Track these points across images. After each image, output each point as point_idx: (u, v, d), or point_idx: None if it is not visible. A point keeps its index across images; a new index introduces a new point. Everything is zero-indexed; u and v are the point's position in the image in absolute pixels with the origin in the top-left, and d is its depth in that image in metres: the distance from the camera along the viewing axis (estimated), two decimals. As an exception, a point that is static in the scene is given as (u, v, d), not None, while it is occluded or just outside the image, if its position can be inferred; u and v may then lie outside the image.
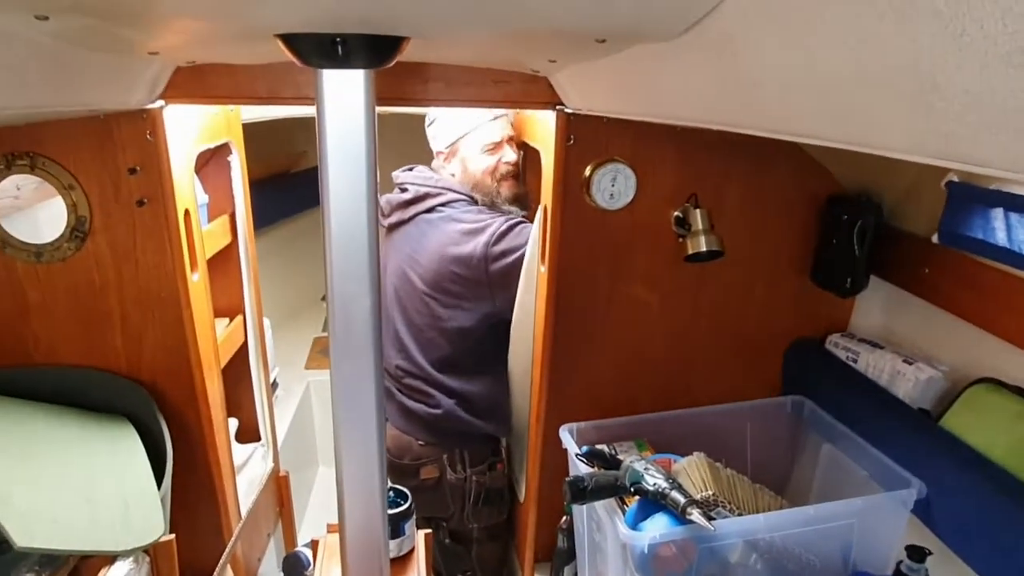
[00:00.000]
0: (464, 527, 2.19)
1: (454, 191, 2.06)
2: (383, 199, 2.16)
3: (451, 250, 1.97)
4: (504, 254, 1.92)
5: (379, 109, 0.95)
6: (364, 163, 0.93)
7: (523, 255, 1.87)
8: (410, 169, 2.17)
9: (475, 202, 2.06)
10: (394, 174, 2.16)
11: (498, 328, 2.05)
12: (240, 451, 2.13)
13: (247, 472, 2.10)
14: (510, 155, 2.07)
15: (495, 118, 2.03)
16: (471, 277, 1.96)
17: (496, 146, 2.04)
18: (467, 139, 2.03)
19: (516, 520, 2.18)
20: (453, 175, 2.09)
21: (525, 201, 2.15)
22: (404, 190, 2.11)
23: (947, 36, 0.47)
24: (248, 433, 2.20)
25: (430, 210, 2.06)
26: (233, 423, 2.14)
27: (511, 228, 1.94)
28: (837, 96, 0.68)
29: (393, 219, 2.12)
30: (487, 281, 1.96)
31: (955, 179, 1.37)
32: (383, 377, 1.04)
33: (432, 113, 2.09)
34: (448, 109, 2.02)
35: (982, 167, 0.57)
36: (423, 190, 2.07)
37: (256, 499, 2.07)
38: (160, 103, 1.43)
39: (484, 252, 1.93)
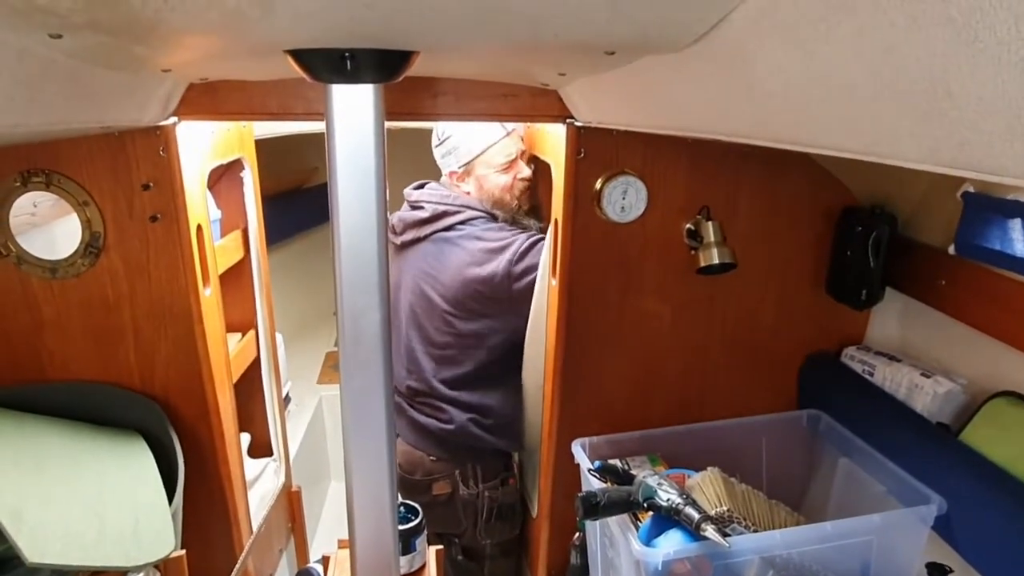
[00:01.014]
0: (477, 543, 2.17)
1: (473, 208, 2.05)
2: (394, 217, 2.16)
3: (473, 270, 1.96)
4: (526, 272, 1.93)
5: (388, 124, 0.96)
6: (374, 177, 0.93)
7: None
8: (421, 186, 2.17)
9: (495, 219, 2.06)
10: (406, 191, 2.16)
11: (518, 343, 2.04)
12: (252, 466, 2.13)
13: (259, 487, 2.09)
14: (524, 171, 2.07)
15: (507, 134, 2.03)
16: (494, 296, 1.96)
17: (511, 163, 2.04)
18: (482, 158, 2.02)
19: (528, 536, 2.17)
20: (468, 193, 2.08)
21: (540, 212, 2.15)
22: (418, 207, 2.10)
23: (960, 43, 0.46)
24: (260, 448, 2.20)
25: (448, 228, 2.05)
26: (245, 438, 2.14)
27: (532, 246, 1.93)
28: (849, 105, 0.67)
29: (407, 237, 2.11)
30: (509, 299, 1.96)
31: (971, 189, 1.36)
32: (393, 391, 1.04)
33: (441, 133, 2.08)
34: (459, 128, 2.02)
35: (997, 175, 0.56)
36: (440, 208, 2.06)
37: (268, 514, 2.06)
38: (173, 120, 1.45)
39: (507, 270, 1.93)
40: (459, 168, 2.07)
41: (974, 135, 0.55)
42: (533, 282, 1.91)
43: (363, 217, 0.95)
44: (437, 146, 2.11)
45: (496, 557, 2.20)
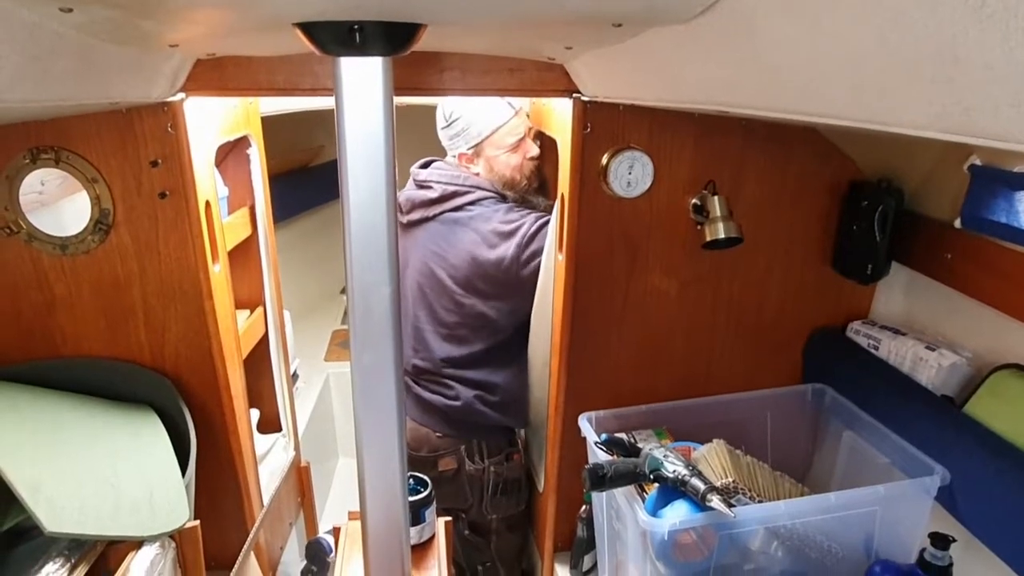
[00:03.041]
0: (483, 518, 2.20)
1: (483, 189, 2.05)
2: (400, 195, 2.15)
3: (484, 252, 1.97)
4: (534, 255, 1.93)
5: (396, 100, 0.96)
6: (383, 151, 0.94)
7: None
8: (427, 165, 2.15)
9: (504, 199, 2.06)
10: (413, 170, 2.16)
11: (525, 323, 2.06)
12: (262, 441, 2.15)
13: (269, 462, 2.12)
14: (533, 149, 2.06)
15: (515, 113, 2.01)
16: (504, 279, 1.97)
17: (520, 143, 2.03)
18: (492, 139, 2.02)
19: (535, 510, 2.19)
20: (478, 174, 2.08)
21: (547, 189, 2.15)
22: (426, 187, 2.09)
23: (968, 9, 0.46)
24: (269, 424, 2.23)
25: (458, 208, 2.04)
26: (255, 414, 2.16)
27: (540, 229, 1.94)
28: (855, 74, 0.67)
29: (415, 216, 2.11)
30: (519, 282, 1.97)
31: (978, 162, 1.35)
32: (403, 365, 1.05)
33: (449, 114, 2.06)
34: (467, 110, 2.01)
35: (1003, 141, 0.56)
36: (451, 188, 2.05)
37: (278, 488, 2.09)
38: (181, 96, 1.45)
39: (516, 254, 1.94)
40: (468, 150, 2.06)
41: (981, 101, 0.55)
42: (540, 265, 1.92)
43: (372, 191, 0.96)
44: (444, 128, 2.09)
45: (502, 532, 2.23)
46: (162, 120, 1.46)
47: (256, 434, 2.17)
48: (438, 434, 2.13)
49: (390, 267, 0.99)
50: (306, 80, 1.48)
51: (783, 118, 0.86)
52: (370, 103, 0.91)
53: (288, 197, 3.08)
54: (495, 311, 2.03)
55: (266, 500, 1.93)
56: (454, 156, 2.11)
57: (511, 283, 1.97)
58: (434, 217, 2.07)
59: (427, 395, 2.12)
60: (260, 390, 2.19)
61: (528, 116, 2.06)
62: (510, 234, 1.96)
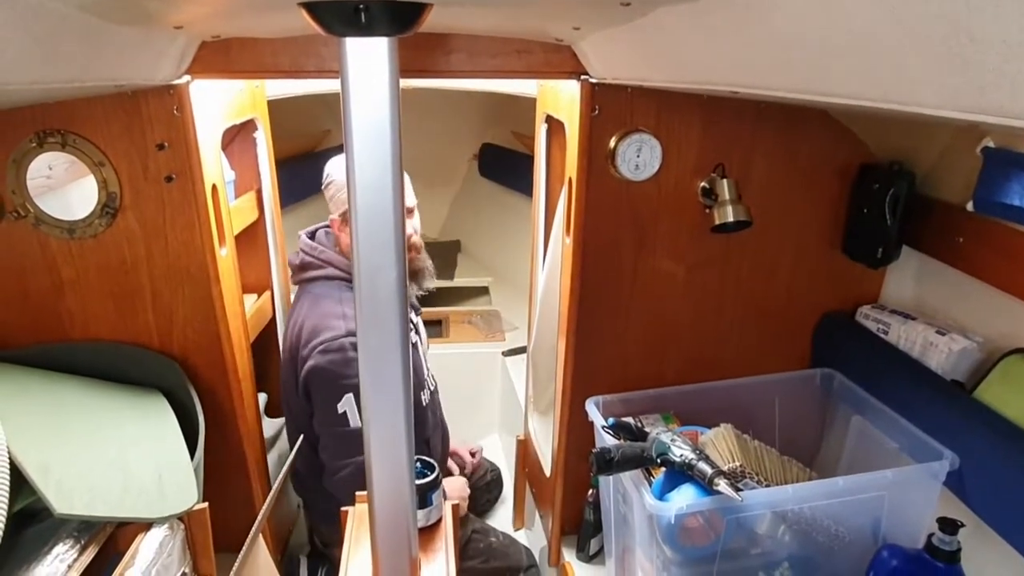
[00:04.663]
0: None
1: (333, 266, 1.91)
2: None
3: (295, 331, 1.86)
4: (318, 368, 1.78)
5: (403, 83, 0.95)
6: (389, 132, 0.93)
7: (335, 381, 1.76)
8: (312, 234, 2.00)
9: (350, 282, 1.87)
10: (299, 233, 2.02)
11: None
12: (270, 425, 2.16)
13: (277, 445, 2.13)
14: (407, 228, 1.85)
15: None
16: (293, 369, 1.87)
17: None
18: None
19: (543, 495, 2.20)
20: (346, 244, 1.90)
21: (421, 279, 1.99)
22: (296, 252, 1.97)
23: (985, -17, 0.45)
24: (277, 407, 2.24)
25: (309, 280, 1.93)
26: (262, 397, 2.17)
27: (340, 350, 1.77)
28: (868, 53, 0.66)
29: (294, 279, 2.00)
30: (298, 381, 1.85)
31: (991, 145, 1.34)
32: (409, 350, 1.04)
33: (326, 176, 1.92)
34: (340, 171, 1.85)
35: (1019, 119, 0.55)
36: (308, 259, 1.93)
37: (286, 471, 2.10)
38: (186, 78, 1.44)
39: (308, 353, 1.80)
40: (338, 215, 1.87)
41: (996, 79, 0.54)
42: (319, 380, 1.78)
43: (378, 173, 0.95)
44: (324, 187, 1.93)
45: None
46: (168, 103, 1.46)
47: (264, 417, 2.18)
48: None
49: (396, 249, 0.98)
50: (311, 62, 1.47)
51: (794, 98, 0.85)
52: (376, 84, 0.90)
53: (295, 182, 3.07)
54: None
55: (274, 483, 1.94)
56: (329, 222, 1.96)
57: (296, 377, 1.85)
58: (297, 283, 1.97)
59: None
60: (268, 374, 2.20)
61: (411, 191, 1.93)
62: (315, 330, 1.81)
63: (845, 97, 0.77)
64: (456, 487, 2.13)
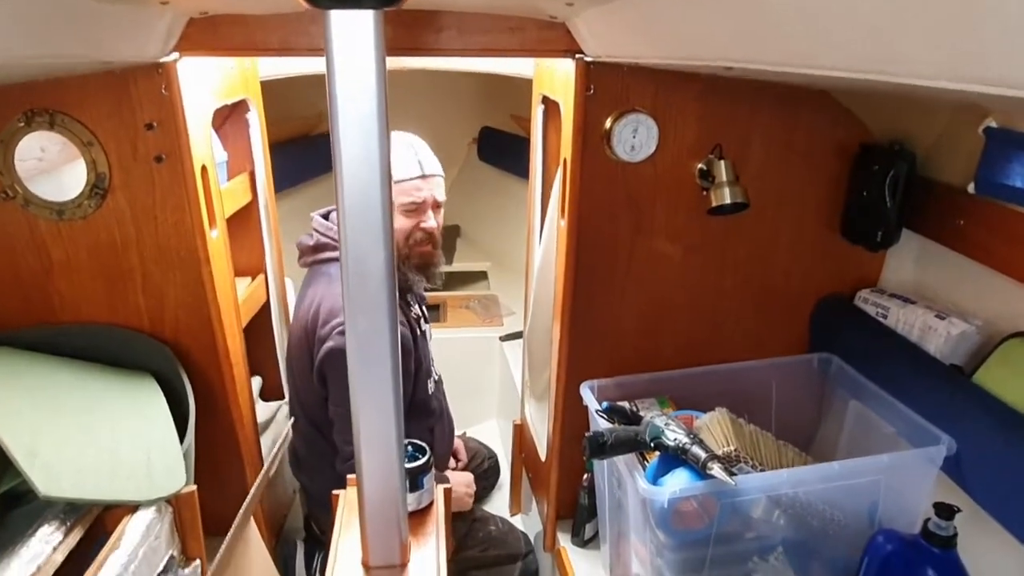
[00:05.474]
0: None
1: None
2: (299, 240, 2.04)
3: (312, 311, 1.86)
4: (338, 349, 1.77)
5: (392, 62, 0.93)
6: (375, 108, 0.91)
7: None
8: (327, 214, 2.01)
9: None
10: (312, 214, 2.04)
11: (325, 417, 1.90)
12: (264, 409, 2.16)
13: (272, 429, 2.12)
14: (431, 222, 1.91)
15: (422, 176, 1.86)
16: (307, 350, 1.87)
17: (418, 208, 1.87)
18: None
19: (538, 479, 2.19)
20: None
21: (433, 272, 2.00)
22: (309, 233, 1.97)
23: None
24: (272, 391, 2.23)
25: (324, 261, 1.92)
26: (257, 381, 2.16)
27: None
28: (866, 23, 0.64)
29: (305, 260, 2.01)
30: (310, 361, 1.85)
31: (994, 124, 1.31)
32: (398, 331, 1.03)
33: None
34: None
35: (1018, 89, 0.53)
36: (324, 240, 1.94)
37: (277, 454, 2.09)
38: (174, 56, 1.42)
39: (327, 333, 1.80)
40: None
41: (996, 48, 0.52)
42: (339, 359, 1.74)
43: (365, 151, 0.93)
44: None
45: None
46: (156, 82, 1.43)
47: (259, 401, 2.17)
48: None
49: (384, 230, 0.97)
50: (301, 40, 1.45)
51: (790, 72, 0.83)
52: (362, 60, 0.88)
53: (291, 166, 3.05)
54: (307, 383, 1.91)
55: (268, 467, 1.93)
56: None
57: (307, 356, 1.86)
58: (309, 265, 1.97)
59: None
60: (263, 357, 2.19)
61: (440, 180, 1.93)
62: (334, 311, 1.81)
63: (841, 70, 0.75)
64: (463, 481, 2.12)
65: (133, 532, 1.22)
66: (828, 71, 0.77)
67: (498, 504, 2.63)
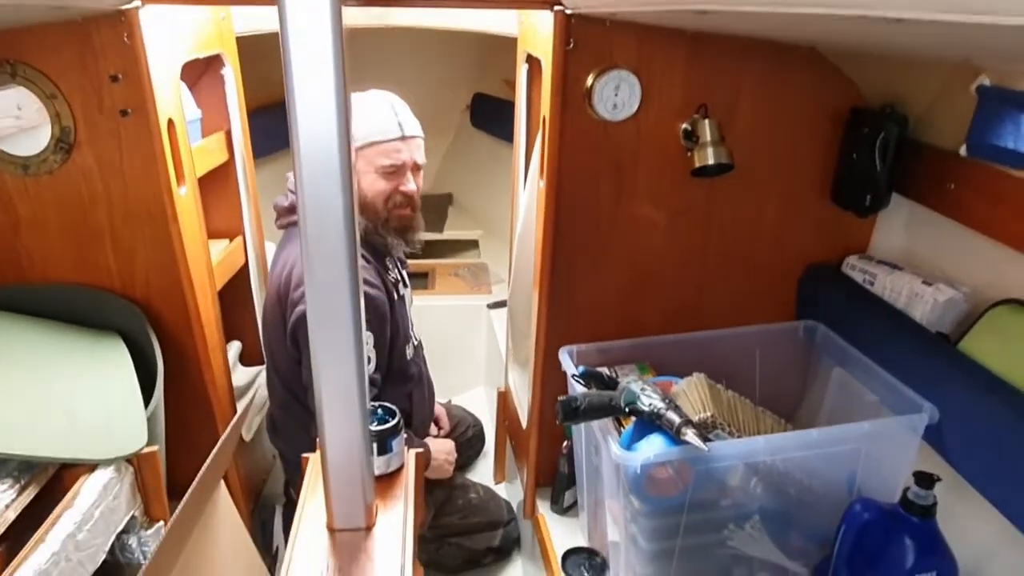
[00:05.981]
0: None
1: None
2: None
3: (284, 274, 1.77)
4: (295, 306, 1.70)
5: (356, 10, 0.87)
6: (331, 57, 0.86)
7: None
8: None
9: None
10: (288, 175, 1.90)
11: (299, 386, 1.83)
12: (244, 373, 2.12)
13: (251, 394, 2.09)
14: (410, 184, 1.81)
15: (404, 138, 1.77)
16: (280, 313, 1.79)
17: (398, 170, 1.78)
18: (364, 152, 1.77)
19: (519, 446, 2.17)
20: None
21: (412, 236, 1.91)
22: (284, 193, 1.89)
23: None
24: (252, 356, 2.19)
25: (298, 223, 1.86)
26: (236, 346, 2.13)
27: None
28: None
29: (281, 222, 1.92)
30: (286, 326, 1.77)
31: (987, 82, 1.26)
32: (360, 289, 0.99)
33: None
34: (356, 106, 1.75)
35: (1002, 15, 0.49)
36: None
37: (258, 421, 2.07)
38: (136, 3, 1.36)
39: (299, 297, 1.71)
40: None
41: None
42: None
43: (321, 97, 0.88)
44: None
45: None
46: (119, 30, 1.38)
47: (239, 366, 2.14)
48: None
49: (343, 177, 0.92)
50: None
51: (766, 13, 0.78)
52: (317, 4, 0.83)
53: (274, 130, 2.98)
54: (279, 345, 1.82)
55: (245, 432, 1.91)
56: None
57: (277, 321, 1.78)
58: (285, 227, 1.89)
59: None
60: (242, 321, 2.15)
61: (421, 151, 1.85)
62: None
63: (819, 5, 0.70)
64: (444, 449, 2.10)
65: (89, 491, 1.20)
66: (804, 8, 0.72)
67: (483, 472, 2.60)
